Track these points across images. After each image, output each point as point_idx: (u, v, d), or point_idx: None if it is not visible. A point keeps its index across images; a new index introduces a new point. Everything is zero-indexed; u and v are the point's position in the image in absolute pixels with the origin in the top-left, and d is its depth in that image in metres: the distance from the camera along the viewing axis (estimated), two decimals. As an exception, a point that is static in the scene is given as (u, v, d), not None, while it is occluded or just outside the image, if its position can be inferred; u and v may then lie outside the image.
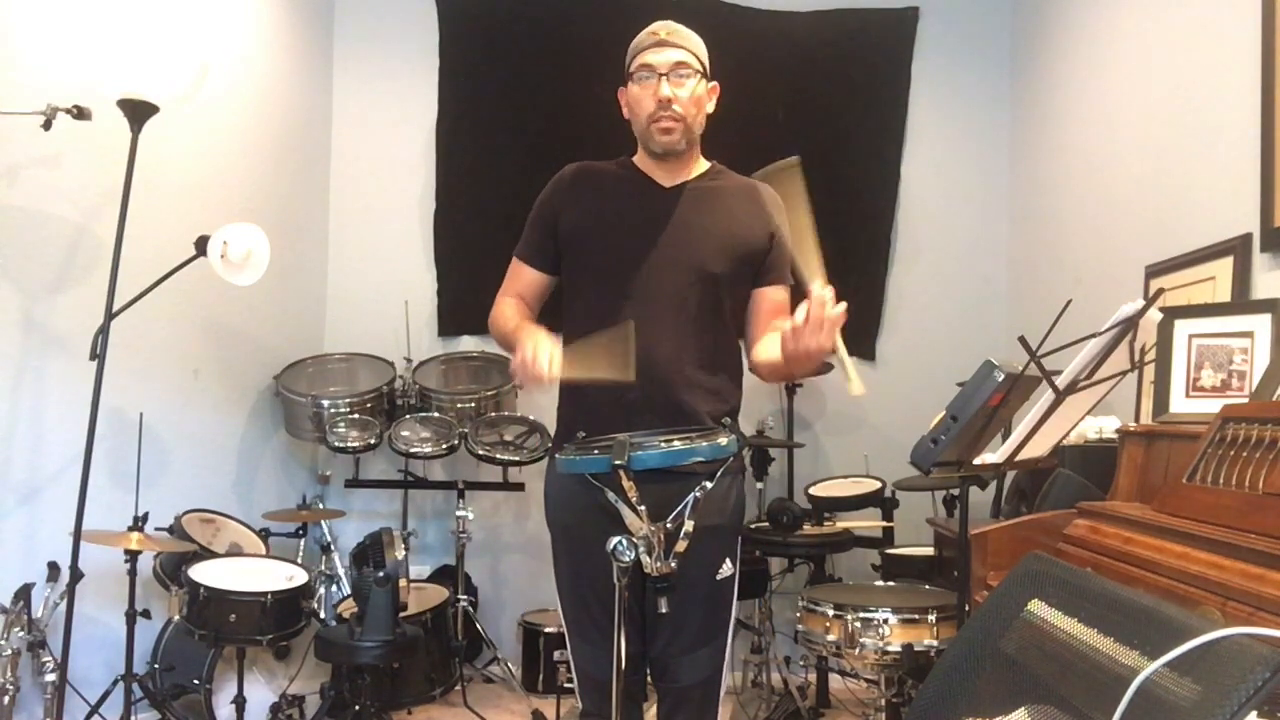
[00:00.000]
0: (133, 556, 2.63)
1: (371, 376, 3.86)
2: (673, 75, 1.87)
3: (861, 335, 4.23)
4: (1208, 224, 2.64)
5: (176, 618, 2.76)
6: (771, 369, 1.90)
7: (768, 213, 1.97)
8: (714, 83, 1.97)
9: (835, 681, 3.57)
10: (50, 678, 2.52)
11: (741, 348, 2.01)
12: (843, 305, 1.58)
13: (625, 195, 1.96)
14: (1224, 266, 2.53)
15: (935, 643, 2.40)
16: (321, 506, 3.83)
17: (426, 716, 3.39)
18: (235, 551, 3.14)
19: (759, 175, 1.93)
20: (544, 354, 1.70)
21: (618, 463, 1.49)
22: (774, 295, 2.00)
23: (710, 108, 1.97)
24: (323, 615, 3.35)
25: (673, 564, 1.55)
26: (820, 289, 1.59)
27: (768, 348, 1.90)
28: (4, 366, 2.65)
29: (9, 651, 2.43)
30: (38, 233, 2.74)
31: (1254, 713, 0.94)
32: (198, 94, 2.87)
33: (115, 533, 2.61)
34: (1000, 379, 1.77)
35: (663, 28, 1.91)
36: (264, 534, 3.31)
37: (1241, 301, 2.39)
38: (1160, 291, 2.66)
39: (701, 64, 1.92)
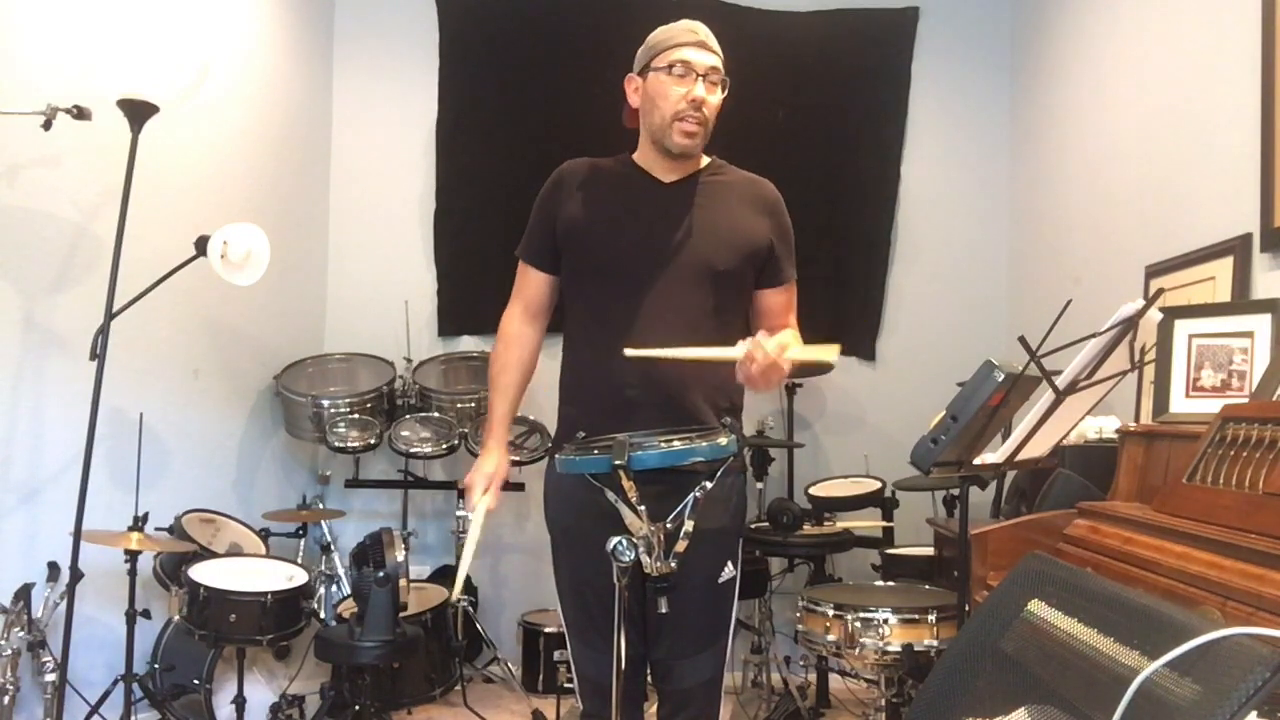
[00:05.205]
0: (133, 556, 2.63)
1: (371, 376, 3.86)
2: (708, 79, 1.88)
3: (861, 335, 4.23)
4: (1208, 224, 2.64)
5: (176, 618, 2.76)
6: None
7: (769, 208, 1.97)
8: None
9: (835, 681, 3.57)
10: (50, 678, 2.52)
11: None
12: (774, 344, 1.63)
13: (624, 192, 1.96)
14: (1224, 266, 2.52)
15: (935, 643, 2.39)
16: (321, 506, 3.83)
17: (426, 716, 3.39)
18: (235, 551, 3.14)
19: None
20: (478, 492, 1.90)
21: (617, 463, 1.49)
22: (777, 297, 2.00)
23: None
24: (323, 615, 3.35)
25: (672, 564, 1.55)
26: (742, 350, 1.65)
27: None
28: (4, 366, 2.65)
29: (9, 651, 2.43)
30: (38, 233, 2.74)
31: (1254, 713, 0.94)
32: (198, 94, 2.87)
33: (115, 533, 2.61)
34: (1000, 379, 1.77)
35: (700, 29, 1.91)
36: (264, 534, 3.31)
37: (1241, 301, 2.39)
38: (1160, 291, 2.65)
39: (725, 76, 1.94)
